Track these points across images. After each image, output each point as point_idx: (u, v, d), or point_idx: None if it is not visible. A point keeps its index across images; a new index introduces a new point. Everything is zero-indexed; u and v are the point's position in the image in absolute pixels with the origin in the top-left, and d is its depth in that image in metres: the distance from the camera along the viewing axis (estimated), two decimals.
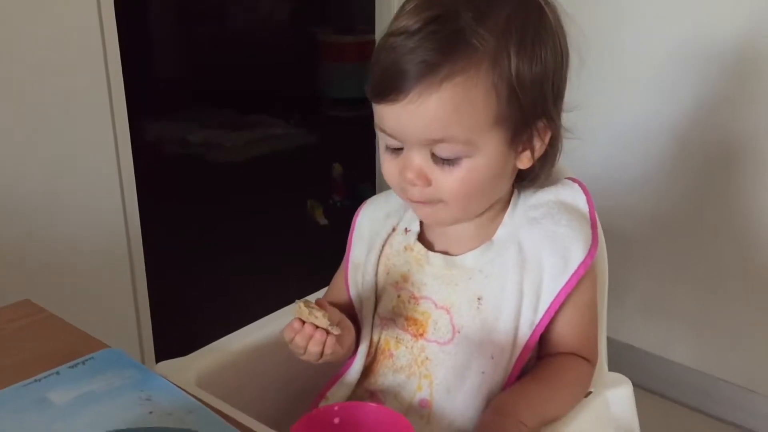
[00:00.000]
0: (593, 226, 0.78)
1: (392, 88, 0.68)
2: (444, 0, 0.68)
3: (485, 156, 0.71)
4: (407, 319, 0.80)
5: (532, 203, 0.80)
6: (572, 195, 0.80)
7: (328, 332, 0.72)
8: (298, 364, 0.79)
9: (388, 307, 0.82)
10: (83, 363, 0.75)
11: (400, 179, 0.74)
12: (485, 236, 0.79)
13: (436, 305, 0.79)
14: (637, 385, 0.85)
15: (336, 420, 0.55)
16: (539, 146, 0.75)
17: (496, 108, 0.69)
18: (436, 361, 0.78)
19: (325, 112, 3.75)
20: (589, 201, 0.80)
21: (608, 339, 0.90)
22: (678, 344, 1.73)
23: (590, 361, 0.80)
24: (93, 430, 0.64)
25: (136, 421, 0.66)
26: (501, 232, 0.79)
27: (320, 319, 0.71)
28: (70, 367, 0.74)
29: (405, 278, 0.81)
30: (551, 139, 0.75)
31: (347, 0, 3.86)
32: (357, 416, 0.56)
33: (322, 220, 2.69)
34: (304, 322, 0.72)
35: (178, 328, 1.70)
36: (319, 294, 0.92)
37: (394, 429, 0.55)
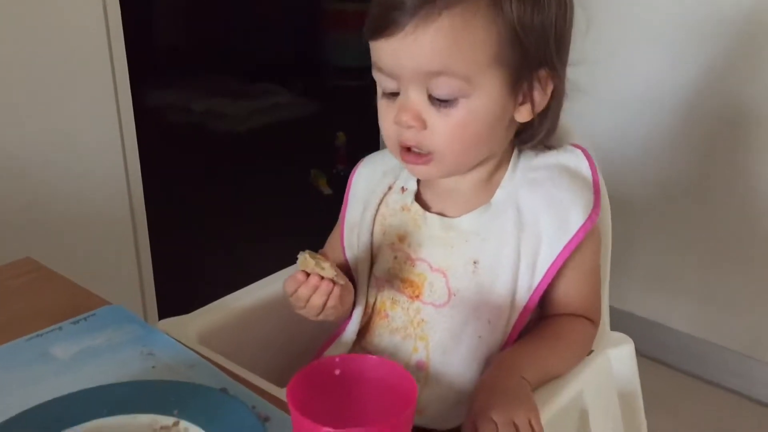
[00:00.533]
0: (596, 192, 0.77)
1: (390, 20, 0.67)
2: None
3: (483, 97, 0.70)
4: (403, 280, 0.79)
5: (533, 165, 0.79)
6: (575, 160, 0.79)
7: (334, 282, 0.72)
8: (298, 324, 0.79)
9: (384, 268, 0.81)
10: (85, 319, 0.76)
11: (395, 128, 0.73)
12: (483, 198, 0.78)
13: (431, 267, 0.78)
14: (638, 353, 0.84)
15: (337, 371, 0.55)
16: (540, 99, 0.73)
17: (496, 45, 0.68)
18: (432, 323, 0.77)
19: (328, 81, 3.71)
20: (592, 166, 0.78)
21: (610, 308, 0.89)
22: (679, 312, 1.73)
23: (594, 321, 0.79)
24: (96, 383, 0.64)
25: (138, 375, 0.67)
26: (500, 194, 0.78)
27: (327, 269, 0.71)
28: (72, 323, 0.75)
29: (401, 239, 0.80)
30: (554, 92, 0.74)
31: None
32: (358, 369, 0.55)
33: (326, 190, 2.67)
34: (308, 275, 0.71)
35: (180, 290, 1.71)
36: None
37: (395, 383, 0.54)
